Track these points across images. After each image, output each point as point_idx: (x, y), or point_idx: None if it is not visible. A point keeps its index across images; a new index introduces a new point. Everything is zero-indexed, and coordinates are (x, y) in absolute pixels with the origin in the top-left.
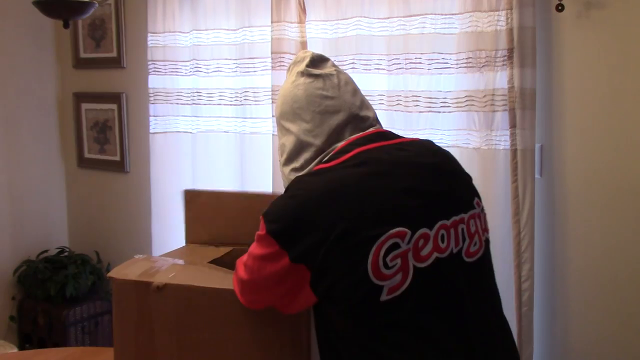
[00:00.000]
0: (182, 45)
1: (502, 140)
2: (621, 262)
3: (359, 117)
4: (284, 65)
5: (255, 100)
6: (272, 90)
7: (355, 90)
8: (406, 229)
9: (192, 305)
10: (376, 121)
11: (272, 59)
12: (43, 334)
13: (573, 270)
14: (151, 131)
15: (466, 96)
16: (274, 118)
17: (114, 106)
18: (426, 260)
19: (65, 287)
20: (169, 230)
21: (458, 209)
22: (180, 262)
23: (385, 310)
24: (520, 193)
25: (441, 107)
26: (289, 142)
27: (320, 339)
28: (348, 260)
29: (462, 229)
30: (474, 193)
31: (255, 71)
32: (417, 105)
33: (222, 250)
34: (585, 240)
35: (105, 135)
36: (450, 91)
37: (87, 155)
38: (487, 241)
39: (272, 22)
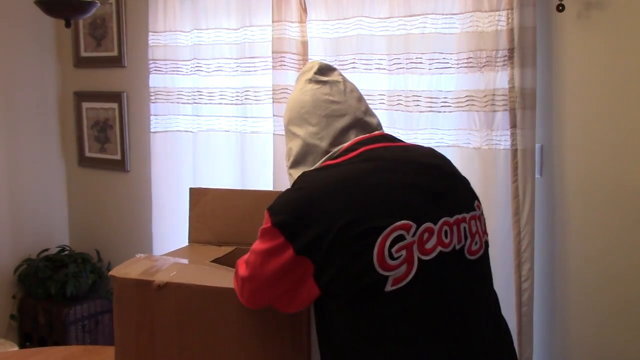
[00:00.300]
0: (183, 45)
1: (503, 140)
2: (621, 262)
3: (363, 121)
4: (284, 65)
5: (256, 100)
6: (272, 90)
7: (360, 98)
8: (411, 222)
9: (193, 304)
10: (380, 127)
11: (272, 58)
12: (43, 332)
13: (573, 270)
14: (152, 130)
15: (467, 96)
16: (283, 125)
17: (115, 105)
18: (430, 253)
19: (65, 285)
20: (170, 229)
21: (460, 208)
22: (181, 261)
23: (388, 301)
24: (520, 193)
25: (442, 106)
26: (296, 145)
27: (320, 336)
28: (352, 250)
29: (464, 228)
30: (474, 196)
31: (256, 70)
32: (418, 105)
33: (225, 250)
34: (585, 240)
35: (105, 134)
36: (450, 91)
37: (87, 154)
38: (487, 243)
39: (273, 21)
